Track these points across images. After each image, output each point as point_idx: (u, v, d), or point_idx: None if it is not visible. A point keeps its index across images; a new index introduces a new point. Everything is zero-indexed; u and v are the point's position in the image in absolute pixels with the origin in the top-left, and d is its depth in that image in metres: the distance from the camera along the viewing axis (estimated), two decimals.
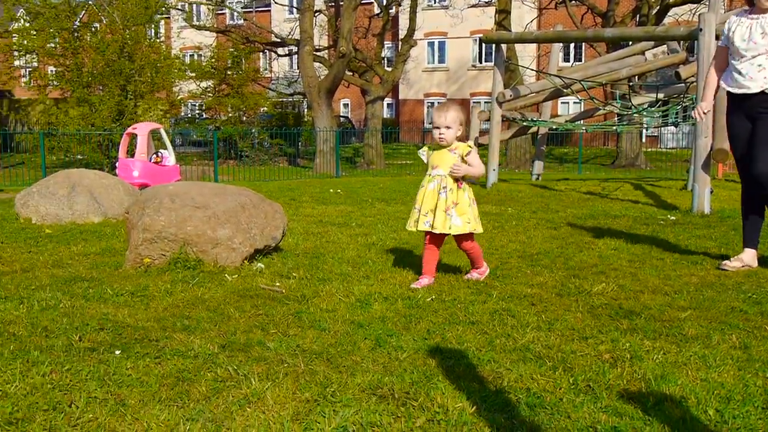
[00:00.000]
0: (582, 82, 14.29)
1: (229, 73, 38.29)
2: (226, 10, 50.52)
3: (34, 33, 30.78)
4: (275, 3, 48.60)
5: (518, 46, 30.23)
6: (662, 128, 31.23)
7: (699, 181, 10.34)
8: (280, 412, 3.13)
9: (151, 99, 29.50)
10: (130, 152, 16.22)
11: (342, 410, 3.13)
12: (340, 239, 7.94)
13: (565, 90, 14.87)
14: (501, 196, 13.10)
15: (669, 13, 29.50)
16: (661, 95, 15.09)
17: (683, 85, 13.79)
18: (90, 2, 31.08)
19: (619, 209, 10.90)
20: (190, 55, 43.28)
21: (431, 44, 52.83)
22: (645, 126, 17.34)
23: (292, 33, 38.10)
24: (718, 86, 6.56)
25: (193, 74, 36.87)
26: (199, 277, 5.80)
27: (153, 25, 34.42)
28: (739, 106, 6.36)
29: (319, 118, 28.67)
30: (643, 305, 5.01)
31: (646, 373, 3.60)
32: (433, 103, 52.67)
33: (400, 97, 53.71)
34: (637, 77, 17.54)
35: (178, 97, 35.90)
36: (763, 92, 6.16)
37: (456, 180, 5.60)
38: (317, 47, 34.60)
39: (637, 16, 29.63)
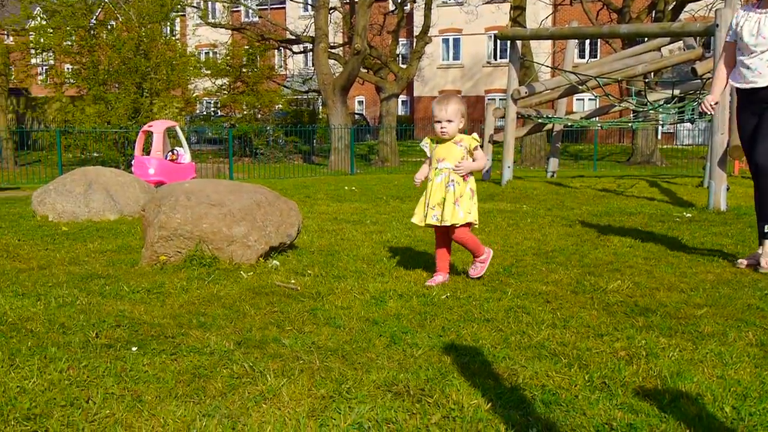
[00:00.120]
0: (597, 79, 14.27)
1: (244, 70, 38.37)
2: (241, 8, 50.57)
3: (51, 31, 30.92)
4: (290, 0, 48.64)
5: (533, 43, 30.19)
6: (678, 125, 31.07)
7: (715, 178, 10.30)
8: (296, 408, 3.14)
9: (166, 97, 29.62)
10: (146, 150, 16.28)
11: (357, 407, 3.14)
12: (354, 236, 7.95)
13: (580, 87, 14.85)
14: (516, 193, 13.09)
15: (685, 9, 29.36)
16: (677, 91, 15.02)
17: (699, 81, 13.74)
18: (106, 0, 31.17)
19: (635, 206, 10.87)
20: (206, 53, 43.42)
21: (446, 41, 52.72)
22: (661, 123, 17.28)
23: (306, 30, 38.14)
24: (727, 81, 6.49)
25: (209, 72, 36.98)
26: (214, 274, 5.82)
27: (168, 23, 34.55)
28: (748, 101, 6.28)
29: (334, 116, 28.68)
30: (658, 302, 5.00)
31: (661, 371, 3.59)
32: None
33: (414, 94, 53.64)
34: (652, 73, 17.49)
35: (194, 95, 36.00)
36: None
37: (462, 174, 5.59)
38: (332, 44, 34.65)
39: (653, 12, 29.50)
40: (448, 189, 5.53)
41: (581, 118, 17.80)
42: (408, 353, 3.89)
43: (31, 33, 33.98)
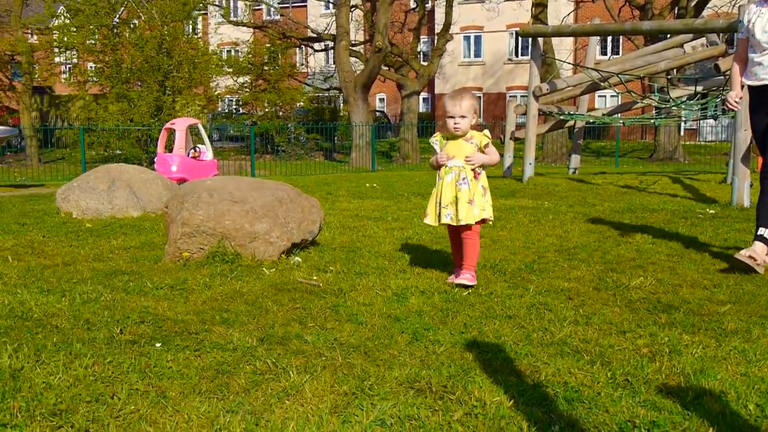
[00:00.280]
0: (619, 76, 14.19)
1: (265, 68, 38.49)
2: (263, 6, 50.67)
3: (74, 30, 31.16)
4: None
5: (555, 40, 30.06)
6: (701, 121, 30.92)
7: (738, 175, 10.24)
8: (319, 404, 3.15)
9: (188, 94, 29.76)
10: (169, 147, 16.34)
11: (380, 403, 3.15)
12: (376, 233, 7.96)
13: (602, 83, 14.78)
14: (537, 190, 13.05)
15: (708, 5, 29.15)
16: (699, 88, 14.92)
17: (722, 77, 13.64)
18: None
19: (657, 203, 10.82)
20: (227, 51, 43.56)
21: (467, 38, 52.61)
22: (683, 119, 17.19)
23: (328, 28, 38.20)
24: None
25: (230, 70, 37.10)
26: (237, 270, 5.84)
27: (191, 22, 34.72)
28: (760, 101, 6.14)
29: (355, 113, 28.70)
30: (681, 299, 4.98)
31: (685, 368, 3.58)
32: (473, 96, 52.46)
33: (435, 92, 53.55)
34: (675, 70, 17.39)
35: (216, 93, 36.17)
36: None
37: (473, 170, 5.46)
38: (353, 42, 34.66)
39: (676, 8, 29.34)
40: (460, 187, 5.42)
41: (603, 114, 17.71)
42: (430, 350, 3.90)
43: (54, 32, 34.28)
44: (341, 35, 28.67)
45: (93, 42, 31.01)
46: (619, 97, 31.27)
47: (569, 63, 19.97)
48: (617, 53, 44.44)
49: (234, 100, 43.37)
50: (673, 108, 14.79)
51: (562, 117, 16.38)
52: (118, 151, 28.08)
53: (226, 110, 43.61)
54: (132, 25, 31.43)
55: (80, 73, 32.28)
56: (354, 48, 34.90)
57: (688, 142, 34.02)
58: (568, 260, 6.39)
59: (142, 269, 6.03)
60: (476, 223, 5.46)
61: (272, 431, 2.89)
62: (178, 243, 6.21)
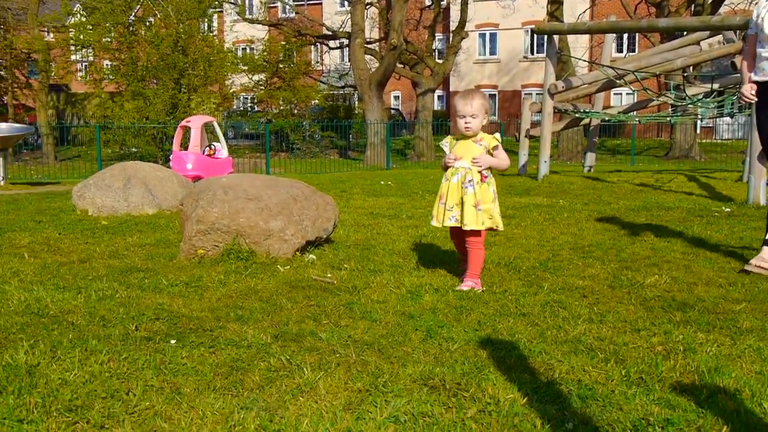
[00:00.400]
0: (635, 73, 14.15)
1: (280, 66, 38.59)
2: (278, 4, 50.77)
3: (90, 28, 31.28)
4: None
5: (570, 37, 30.01)
6: (717, 119, 30.79)
7: (755, 173, 10.20)
8: (333, 401, 3.16)
9: (204, 92, 29.85)
10: (184, 145, 16.39)
11: (393, 400, 3.15)
12: (390, 231, 7.97)
13: (618, 81, 14.73)
14: (552, 188, 13.03)
15: (725, 3, 29.07)
16: (716, 86, 14.86)
17: (739, 75, 13.58)
18: None
19: (673, 201, 10.78)
20: (243, 49, 43.62)
21: (482, 36, 52.53)
22: (700, 117, 17.12)
23: (343, 26, 38.23)
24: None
25: (246, 67, 37.21)
26: (251, 268, 5.86)
27: (206, 19, 34.80)
28: (767, 99, 6.00)
29: (370, 111, 28.71)
30: (696, 297, 4.96)
31: (699, 366, 3.57)
32: (484, 96, 52.39)
33: (450, 89, 53.49)
34: (691, 68, 17.32)
35: (231, 91, 36.25)
36: None
37: (480, 172, 5.32)
38: (368, 40, 34.65)
39: (692, 5, 29.23)
40: (466, 190, 5.29)
41: (619, 112, 17.67)
42: (444, 347, 3.90)
43: (71, 29, 34.42)
44: (356, 33, 28.68)
45: (109, 40, 31.14)
46: (635, 94, 31.20)
47: (585, 60, 19.91)
48: (633, 51, 44.30)
49: (249, 97, 43.50)
50: (689, 106, 14.72)
51: (577, 115, 16.34)
52: (133, 149, 28.21)
53: (241, 108, 43.75)
54: (148, 23, 31.56)
55: (96, 71, 32.43)
56: (369, 45, 34.89)
57: (704, 140, 33.88)
58: (582, 258, 6.38)
59: (157, 266, 6.06)
60: (480, 230, 5.35)
61: (286, 428, 2.90)
62: (193, 240, 6.23)
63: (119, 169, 10.09)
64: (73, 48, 35.40)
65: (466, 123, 5.33)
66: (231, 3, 41.68)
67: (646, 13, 34.04)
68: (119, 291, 5.09)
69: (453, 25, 38.85)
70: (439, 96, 53.43)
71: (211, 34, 36.01)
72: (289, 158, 28.97)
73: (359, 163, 28.57)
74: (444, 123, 33.94)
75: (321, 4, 56.46)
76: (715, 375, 3.45)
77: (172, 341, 3.92)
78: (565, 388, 3.32)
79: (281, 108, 38.60)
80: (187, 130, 16.06)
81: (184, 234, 6.37)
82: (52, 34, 40.20)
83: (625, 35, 45.17)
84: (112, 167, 10.28)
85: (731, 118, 19.41)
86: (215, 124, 16.95)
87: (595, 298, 4.96)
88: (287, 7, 48.01)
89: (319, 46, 47.13)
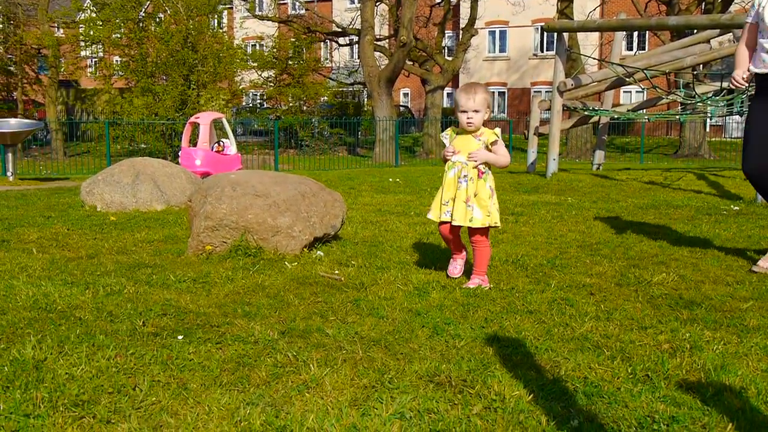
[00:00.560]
0: (645, 71, 14.13)
1: (290, 63, 38.62)
2: (288, 1, 50.78)
3: (100, 23, 31.34)
4: None
5: (580, 35, 29.97)
6: (727, 117, 30.71)
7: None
8: (339, 397, 3.16)
9: (213, 89, 29.87)
10: (193, 141, 16.42)
11: (399, 397, 3.16)
12: (398, 228, 7.97)
13: (627, 79, 14.72)
14: (561, 185, 13.02)
15: (735, 1, 28.96)
16: (725, 84, 14.80)
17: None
18: None
19: (682, 199, 10.76)
20: (252, 45, 43.66)
21: (492, 33, 52.46)
22: (709, 115, 17.07)
23: (353, 22, 38.23)
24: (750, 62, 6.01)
25: (255, 64, 37.25)
26: (259, 264, 5.87)
27: (216, 16, 34.84)
28: (766, 88, 5.89)
29: (379, 108, 28.71)
30: (704, 295, 4.95)
31: (705, 364, 3.56)
32: (493, 93, 52.46)
33: (460, 87, 53.50)
34: (701, 66, 17.27)
35: (240, 87, 36.28)
36: None
37: (476, 167, 5.20)
38: (378, 37, 34.66)
39: (703, 3, 29.15)
40: (460, 185, 5.18)
41: (628, 110, 17.64)
42: (450, 344, 3.90)
43: (81, 25, 34.50)
44: (366, 30, 28.68)
45: (119, 36, 31.19)
46: (645, 92, 31.15)
47: (594, 58, 19.87)
48: (643, 48, 44.21)
49: (258, 94, 43.52)
50: (699, 104, 14.69)
51: (586, 112, 16.32)
52: (142, 145, 28.25)
53: (251, 104, 43.77)
54: (158, 19, 31.59)
55: (106, 67, 32.49)
56: (378, 42, 34.89)
57: (713, 139, 33.79)
58: (590, 256, 6.38)
59: (165, 262, 6.07)
60: (482, 228, 5.25)
61: (292, 423, 2.90)
62: (201, 236, 6.24)
63: (128, 165, 10.12)
64: (82, 44, 35.50)
65: (468, 118, 5.19)
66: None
67: (656, 11, 33.97)
68: (127, 287, 5.11)
69: (463, 23, 38.82)
70: (448, 93, 53.29)
71: (220, 31, 36.04)
72: (297, 155, 28.99)
73: (368, 160, 28.57)
74: (453, 120, 33.89)
75: (331, 0, 56.45)
76: (721, 373, 3.44)
77: (179, 337, 3.93)
78: (571, 385, 3.32)
79: (290, 105, 38.61)
80: (196, 127, 16.08)
81: (192, 230, 6.38)
82: (62, 30, 40.33)
83: (635, 33, 45.08)
84: (120, 163, 10.30)
85: (740, 116, 19.31)
86: (224, 120, 16.97)
87: (603, 296, 4.96)
88: (297, 3, 48.01)
89: (328, 43, 47.19)
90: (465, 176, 5.18)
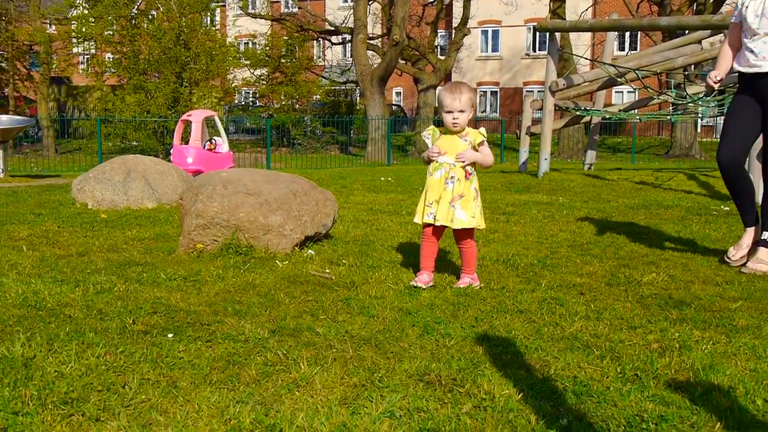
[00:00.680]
0: (636, 71, 14.15)
1: (282, 61, 38.60)
2: None
3: (93, 20, 31.27)
4: None
5: (572, 35, 30.00)
6: (718, 118, 30.77)
7: (753, 171, 10.18)
8: (328, 396, 3.16)
9: (205, 86, 29.86)
10: (185, 139, 16.39)
11: (389, 395, 3.16)
12: (390, 227, 7.97)
13: (619, 79, 14.74)
14: (552, 185, 13.04)
15: (726, 2, 29.02)
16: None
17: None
18: None
19: (672, 199, 10.79)
20: (245, 43, 43.66)
21: (485, 32, 52.51)
22: (700, 116, 17.12)
23: (345, 21, 38.23)
24: (732, 63, 6.07)
25: (248, 62, 37.24)
26: (250, 262, 5.86)
27: (209, 13, 34.81)
28: (750, 87, 5.90)
29: (372, 107, 28.72)
30: (693, 295, 4.97)
31: (694, 363, 3.57)
32: (485, 93, 52.48)
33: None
34: (692, 66, 17.31)
35: (233, 85, 36.26)
36: None
37: (464, 168, 5.12)
38: (371, 35, 34.68)
39: (694, 4, 29.23)
40: (446, 186, 5.09)
41: (620, 110, 17.67)
42: (440, 343, 3.91)
43: (73, 22, 34.44)
44: (359, 28, 28.68)
45: (111, 33, 31.15)
46: (636, 93, 31.18)
47: (587, 58, 19.90)
48: (635, 49, 44.32)
49: (251, 92, 43.49)
50: (690, 104, 14.72)
51: (578, 112, 16.35)
52: (134, 143, 28.22)
53: (243, 102, 43.73)
54: (150, 17, 31.55)
55: (98, 64, 32.43)
56: (371, 41, 34.91)
57: (704, 139, 33.89)
58: (581, 256, 6.39)
59: (156, 260, 6.06)
60: (468, 230, 5.18)
61: (281, 422, 2.90)
62: (192, 235, 6.23)
63: (119, 162, 10.09)
64: (75, 40, 35.43)
65: (454, 119, 5.11)
66: None
67: (648, 11, 34.05)
68: (117, 284, 5.10)
69: (455, 22, 38.86)
70: None
71: (213, 28, 36.00)
72: (289, 153, 28.97)
73: (360, 158, 28.57)
74: None
75: None
76: (709, 372, 3.46)
77: (169, 335, 3.92)
78: (561, 384, 3.33)
79: (283, 103, 38.62)
80: (188, 124, 16.05)
81: (184, 228, 6.38)
82: (54, 27, 40.23)
83: (627, 33, 45.20)
84: (112, 160, 10.27)
85: None
86: (216, 118, 16.94)
87: (593, 296, 4.97)
88: (290, 2, 47.97)
89: (321, 42, 47.19)
90: (452, 177, 5.10)
